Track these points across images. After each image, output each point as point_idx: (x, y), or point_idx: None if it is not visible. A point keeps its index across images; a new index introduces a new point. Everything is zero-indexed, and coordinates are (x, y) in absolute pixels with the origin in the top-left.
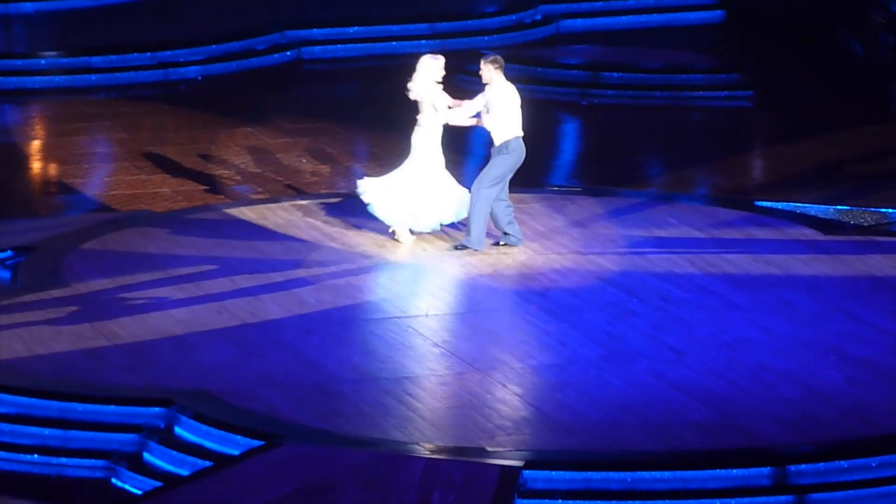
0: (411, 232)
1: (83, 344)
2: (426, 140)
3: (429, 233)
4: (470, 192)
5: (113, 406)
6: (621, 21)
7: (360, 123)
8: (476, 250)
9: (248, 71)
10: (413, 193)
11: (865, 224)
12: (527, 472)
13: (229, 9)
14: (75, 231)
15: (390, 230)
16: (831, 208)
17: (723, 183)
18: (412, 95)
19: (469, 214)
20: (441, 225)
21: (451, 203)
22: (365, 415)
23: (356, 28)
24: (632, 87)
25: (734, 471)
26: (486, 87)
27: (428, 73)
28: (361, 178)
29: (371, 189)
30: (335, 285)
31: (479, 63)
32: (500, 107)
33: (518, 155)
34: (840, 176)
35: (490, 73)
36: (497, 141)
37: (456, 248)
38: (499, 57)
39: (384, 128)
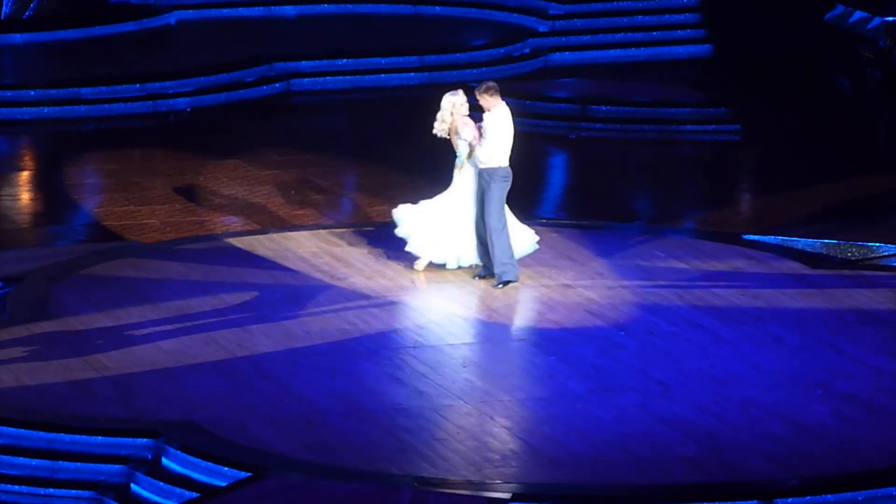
0: (431, 263)
1: (71, 375)
2: (467, 176)
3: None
4: (486, 230)
5: (100, 437)
6: (609, 55)
7: (349, 155)
8: (514, 281)
9: (237, 102)
10: (456, 230)
11: (852, 258)
12: None
13: (218, 41)
14: (64, 262)
15: (416, 263)
16: (818, 242)
17: (710, 216)
18: (440, 134)
19: (492, 251)
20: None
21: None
22: (352, 447)
23: (345, 60)
24: (619, 120)
25: None
26: (486, 114)
27: (451, 109)
28: (396, 206)
29: (408, 219)
30: (323, 317)
31: (474, 95)
32: (493, 133)
33: (509, 182)
34: (827, 210)
35: (486, 100)
36: (487, 166)
37: (495, 286)
38: (490, 83)
39: (373, 160)
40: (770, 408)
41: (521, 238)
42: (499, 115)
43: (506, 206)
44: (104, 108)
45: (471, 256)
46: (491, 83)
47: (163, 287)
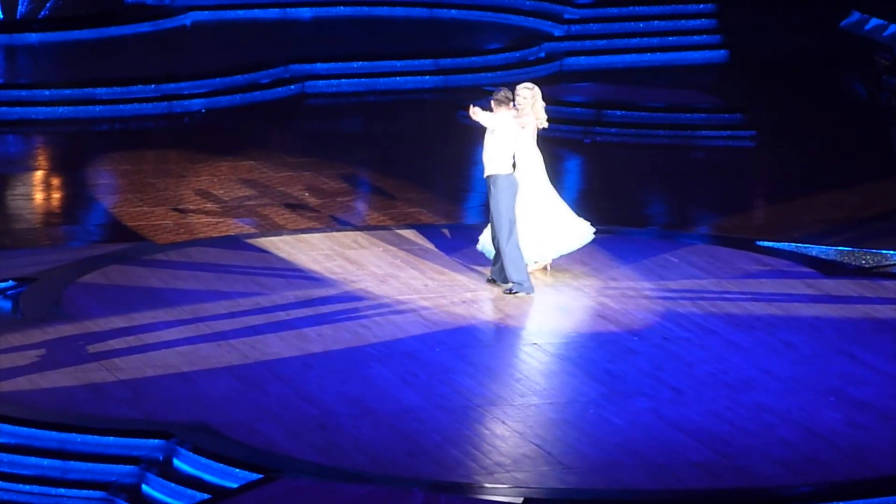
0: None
1: (83, 376)
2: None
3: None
4: (496, 243)
5: (112, 438)
6: (625, 59)
7: (363, 158)
8: (530, 293)
9: (252, 104)
10: (531, 225)
11: (867, 265)
12: None
13: (234, 42)
14: (77, 262)
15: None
16: (832, 249)
17: (724, 222)
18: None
19: (504, 264)
20: (558, 256)
21: (565, 233)
22: (364, 450)
23: (360, 63)
24: (634, 125)
25: None
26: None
27: (532, 102)
28: (477, 238)
29: (488, 240)
30: (336, 320)
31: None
32: (489, 140)
33: (512, 191)
34: (842, 216)
35: (492, 106)
36: (485, 173)
37: (505, 292)
38: (501, 91)
39: (387, 162)
40: (783, 414)
41: (570, 235)
42: (495, 124)
43: (550, 203)
44: (119, 109)
45: (547, 251)
46: (501, 90)
47: (176, 289)
